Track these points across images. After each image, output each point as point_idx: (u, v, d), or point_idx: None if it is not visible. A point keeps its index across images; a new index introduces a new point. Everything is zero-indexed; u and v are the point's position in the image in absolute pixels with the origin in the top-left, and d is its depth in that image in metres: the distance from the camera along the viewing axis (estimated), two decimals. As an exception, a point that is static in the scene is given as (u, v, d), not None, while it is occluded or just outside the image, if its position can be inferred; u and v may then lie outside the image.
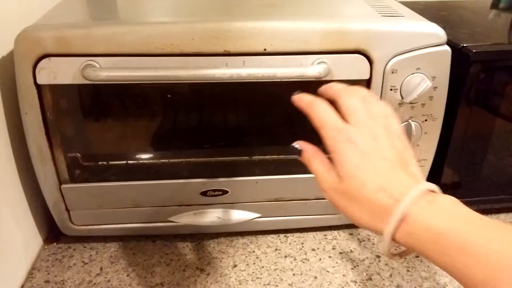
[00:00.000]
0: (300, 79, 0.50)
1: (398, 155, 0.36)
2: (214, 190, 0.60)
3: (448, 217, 0.31)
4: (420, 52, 0.53)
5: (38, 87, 0.50)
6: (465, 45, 0.57)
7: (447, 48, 0.53)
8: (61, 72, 0.49)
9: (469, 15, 0.78)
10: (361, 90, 0.40)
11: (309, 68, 0.50)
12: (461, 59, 0.57)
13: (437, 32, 0.53)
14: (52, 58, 0.48)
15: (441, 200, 0.32)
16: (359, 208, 0.34)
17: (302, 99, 0.40)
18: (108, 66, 0.49)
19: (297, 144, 0.40)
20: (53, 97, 0.52)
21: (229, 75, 0.49)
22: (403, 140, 0.37)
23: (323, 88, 0.41)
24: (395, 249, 0.35)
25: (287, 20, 0.52)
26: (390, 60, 0.53)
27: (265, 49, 0.51)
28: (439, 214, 0.31)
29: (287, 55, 0.51)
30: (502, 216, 0.71)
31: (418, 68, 0.53)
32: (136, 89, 0.61)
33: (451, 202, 0.32)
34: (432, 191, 0.33)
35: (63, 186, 0.57)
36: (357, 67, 0.53)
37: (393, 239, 0.32)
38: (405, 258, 0.57)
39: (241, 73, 0.49)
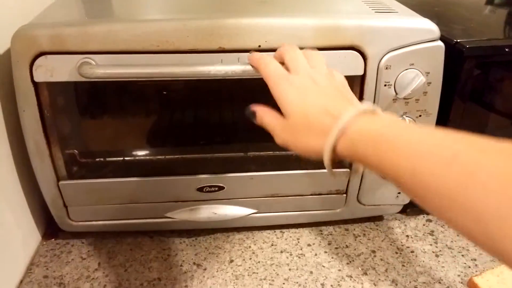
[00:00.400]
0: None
1: (340, 93, 0.38)
2: (210, 186, 0.60)
3: (385, 123, 0.33)
4: (414, 47, 0.53)
5: (35, 84, 0.50)
6: (458, 40, 0.58)
7: (440, 43, 0.54)
8: (57, 70, 0.50)
9: (464, 11, 0.78)
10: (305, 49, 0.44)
11: None
12: (454, 54, 0.57)
13: (431, 28, 0.53)
14: (49, 56, 0.49)
15: (381, 114, 0.34)
16: (306, 136, 0.36)
17: (253, 56, 0.45)
18: (104, 64, 0.49)
19: (251, 108, 0.43)
20: (50, 95, 0.53)
21: (224, 71, 0.49)
22: (347, 87, 0.41)
23: (275, 53, 0.45)
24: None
25: (281, 16, 0.52)
26: (384, 56, 0.53)
27: (259, 46, 0.51)
28: (377, 122, 0.33)
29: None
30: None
31: (412, 64, 0.54)
32: (132, 86, 0.62)
33: (391, 116, 0.34)
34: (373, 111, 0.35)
35: (61, 182, 0.58)
36: (351, 63, 0.53)
37: (336, 153, 0.34)
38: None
39: (235, 70, 0.49)
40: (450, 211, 0.26)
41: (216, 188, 0.61)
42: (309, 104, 0.37)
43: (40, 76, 0.50)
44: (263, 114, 0.41)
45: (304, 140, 0.37)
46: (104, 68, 0.49)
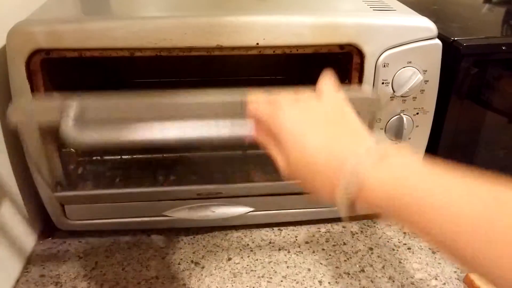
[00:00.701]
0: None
1: (340, 122, 0.34)
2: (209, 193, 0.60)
3: (400, 175, 0.29)
4: (411, 45, 0.53)
5: (31, 81, 0.50)
6: (456, 38, 0.58)
7: (438, 41, 0.54)
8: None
9: (461, 10, 0.78)
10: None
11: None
12: (452, 52, 0.57)
13: (428, 26, 0.54)
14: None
15: (393, 156, 0.31)
16: (312, 181, 0.32)
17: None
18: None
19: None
20: (46, 91, 0.52)
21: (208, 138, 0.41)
22: (347, 110, 0.36)
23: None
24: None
25: (279, 14, 0.52)
26: (382, 53, 0.53)
27: (257, 44, 0.51)
28: (391, 172, 0.29)
29: (280, 49, 0.51)
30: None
31: (410, 62, 0.54)
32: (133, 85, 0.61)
33: (402, 159, 0.31)
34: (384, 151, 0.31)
35: (58, 181, 0.57)
36: (349, 61, 0.53)
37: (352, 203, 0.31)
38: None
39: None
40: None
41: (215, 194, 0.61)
42: (309, 142, 0.32)
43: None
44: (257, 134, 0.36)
45: (311, 185, 0.33)
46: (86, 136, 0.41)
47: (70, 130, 0.40)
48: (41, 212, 0.64)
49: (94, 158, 0.63)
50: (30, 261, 0.60)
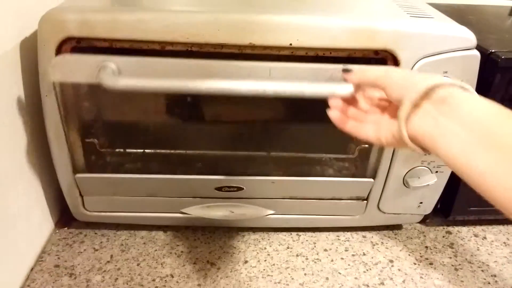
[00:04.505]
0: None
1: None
2: (229, 187, 0.59)
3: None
4: (449, 55, 0.52)
5: (60, 69, 0.49)
6: (494, 50, 0.56)
7: (476, 52, 0.52)
8: (76, 72, 0.48)
9: (496, 21, 0.76)
10: None
11: (340, 87, 0.46)
12: (489, 64, 0.56)
13: (467, 36, 0.52)
14: (67, 56, 0.47)
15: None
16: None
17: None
18: (127, 69, 0.47)
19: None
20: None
21: (254, 90, 0.45)
22: None
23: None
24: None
25: (315, 15, 0.51)
26: (417, 62, 0.51)
27: (290, 44, 0.50)
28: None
29: (313, 51, 0.50)
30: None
31: (446, 72, 0.52)
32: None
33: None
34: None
35: (77, 175, 0.57)
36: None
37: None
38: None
39: (266, 90, 0.45)
40: None
41: (235, 189, 0.59)
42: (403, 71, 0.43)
43: (58, 76, 0.48)
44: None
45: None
46: (127, 80, 0.45)
47: (109, 75, 0.45)
48: (59, 202, 0.63)
49: (117, 150, 0.62)
50: (45, 250, 0.60)
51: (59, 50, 0.48)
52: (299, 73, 0.50)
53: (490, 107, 0.33)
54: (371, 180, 0.59)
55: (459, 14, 0.75)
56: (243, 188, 0.59)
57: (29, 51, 0.52)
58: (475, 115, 0.32)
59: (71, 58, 0.48)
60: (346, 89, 0.45)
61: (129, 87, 0.45)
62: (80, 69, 0.47)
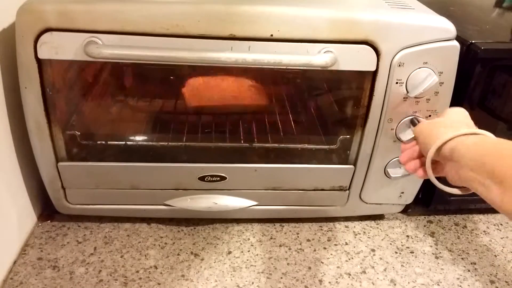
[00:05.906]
0: (305, 67, 0.50)
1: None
2: (212, 176, 0.59)
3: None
4: (429, 46, 0.52)
5: (39, 61, 0.49)
6: (473, 41, 0.57)
7: (456, 43, 0.53)
8: (63, 47, 0.48)
9: (478, 12, 0.76)
10: None
11: (316, 57, 0.50)
12: (468, 55, 0.56)
13: (447, 27, 0.52)
14: (54, 33, 0.47)
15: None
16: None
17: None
18: (112, 44, 0.48)
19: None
20: (54, 73, 0.51)
21: (234, 59, 0.48)
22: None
23: None
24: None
25: (295, 6, 0.51)
26: (398, 52, 0.52)
27: (271, 35, 0.50)
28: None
29: (294, 42, 0.50)
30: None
31: (426, 63, 0.53)
32: (138, 69, 0.60)
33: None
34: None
35: (60, 163, 0.56)
36: (364, 58, 0.52)
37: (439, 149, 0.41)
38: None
39: (246, 58, 0.48)
40: None
41: (218, 178, 0.60)
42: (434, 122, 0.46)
43: (45, 53, 0.48)
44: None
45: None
46: (111, 49, 0.47)
47: (94, 46, 0.47)
48: (41, 194, 0.63)
49: (98, 142, 0.61)
50: (28, 243, 0.59)
51: (37, 41, 0.47)
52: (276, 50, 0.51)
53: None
54: (352, 166, 0.60)
55: (442, 6, 0.75)
56: (226, 178, 0.59)
57: (7, 43, 0.51)
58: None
59: (58, 35, 0.47)
60: (322, 58, 0.49)
61: (114, 55, 0.47)
62: (67, 45, 0.48)
